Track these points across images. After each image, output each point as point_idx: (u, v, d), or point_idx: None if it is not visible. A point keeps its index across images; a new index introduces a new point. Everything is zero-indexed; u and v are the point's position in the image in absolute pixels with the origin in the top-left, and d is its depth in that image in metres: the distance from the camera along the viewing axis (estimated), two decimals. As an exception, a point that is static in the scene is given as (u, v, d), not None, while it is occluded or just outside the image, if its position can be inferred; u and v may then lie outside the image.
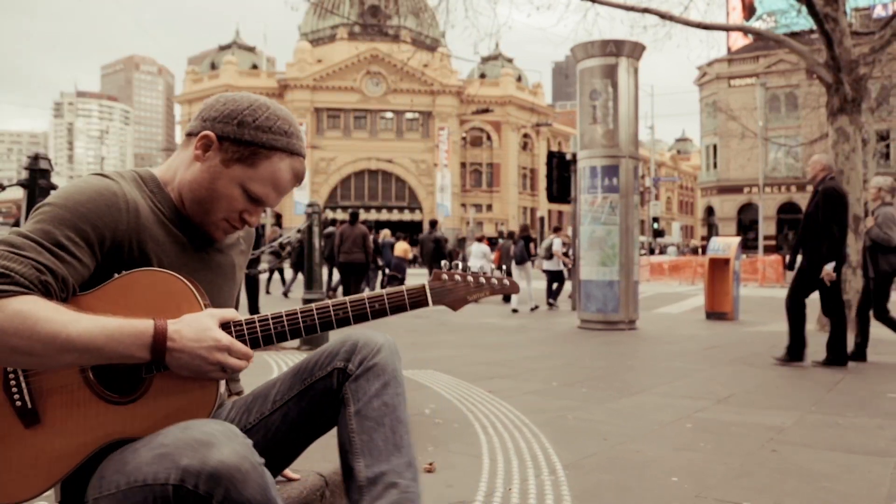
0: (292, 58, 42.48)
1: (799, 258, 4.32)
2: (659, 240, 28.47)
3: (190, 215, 0.93)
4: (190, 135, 0.93)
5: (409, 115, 42.64)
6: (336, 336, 0.95)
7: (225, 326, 0.86)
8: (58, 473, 0.82)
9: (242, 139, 0.90)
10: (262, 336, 0.87)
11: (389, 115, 42.30)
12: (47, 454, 0.82)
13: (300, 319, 0.88)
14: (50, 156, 2.76)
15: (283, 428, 0.95)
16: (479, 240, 11.73)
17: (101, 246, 0.83)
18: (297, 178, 0.94)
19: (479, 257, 10.12)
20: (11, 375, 0.82)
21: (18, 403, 0.81)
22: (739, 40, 27.81)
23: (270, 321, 0.88)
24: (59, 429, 0.83)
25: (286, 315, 0.88)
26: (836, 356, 4.20)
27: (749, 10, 26.96)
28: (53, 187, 2.65)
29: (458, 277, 0.92)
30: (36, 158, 2.60)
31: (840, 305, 4.28)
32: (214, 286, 0.96)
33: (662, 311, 8.88)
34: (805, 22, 10.27)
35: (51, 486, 0.83)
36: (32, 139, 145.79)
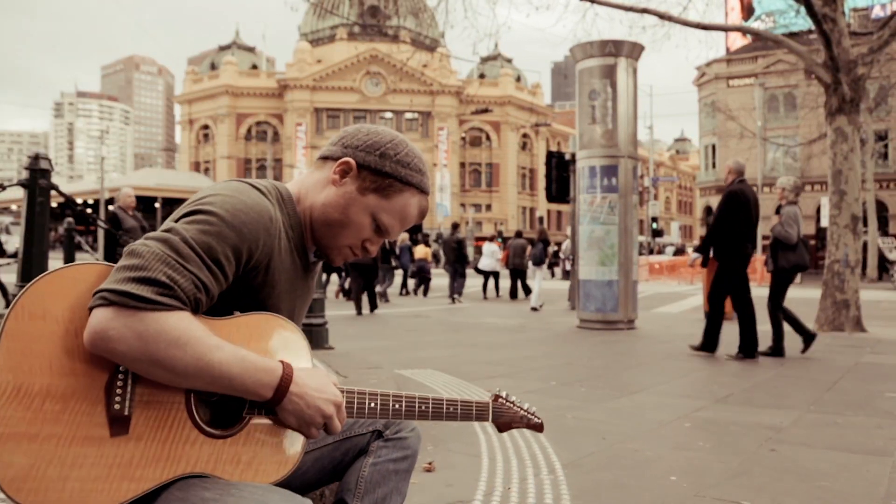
0: (292, 58, 42.48)
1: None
2: (658, 239, 28.49)
3: (317, 238, 0.96)
4: (326, 158, 0.96)
5: (408, 115, 42.66)
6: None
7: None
8: (124, 495, 0.76)
9: (382, 170, 0.93)
10: (359, 409, 0.93)
11: (389, 115, 42.31)
12: (121, 471, 0.76)
13: (391, 404, 0.95)
14: (50, 156, 2.75)
15: (312, 469, 1.00)
16: (491, 239, 13.05)
17: (246, 265, 0.84)
18: (421, 215, 1.00)
19: (488, 255, 11.39)
20: (120, 377, 0.76)
21: (117, 406, 0.75)
22: (738, 41, 27.84)
23: (367, 397, 0.93)
24: (143, 447, 0.77)
25: (381, 395, 0.95)
26: (748, 349, 4.45)
27: (748, 11, 26.99)
28: (54, 187, 2.65)
29: (509, 405, 1.07)
30: (36, 158, 2.60)
31: (748, 302, 4.49)
32: (306, 304, 1.02)
33: (661, 311, 8.89)
34: (803, 22, 10.29)
35: None
36: (33, 139, 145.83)
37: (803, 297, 11.85)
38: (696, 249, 5.11)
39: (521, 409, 1.07)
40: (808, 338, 4.64)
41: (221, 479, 0.81)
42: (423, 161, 0.98)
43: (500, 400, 1.05)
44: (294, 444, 0.87)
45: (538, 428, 1.08)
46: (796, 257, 4.57)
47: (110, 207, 6.42)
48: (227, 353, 0.78)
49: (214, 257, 0.79)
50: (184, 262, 0.77)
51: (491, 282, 11.79)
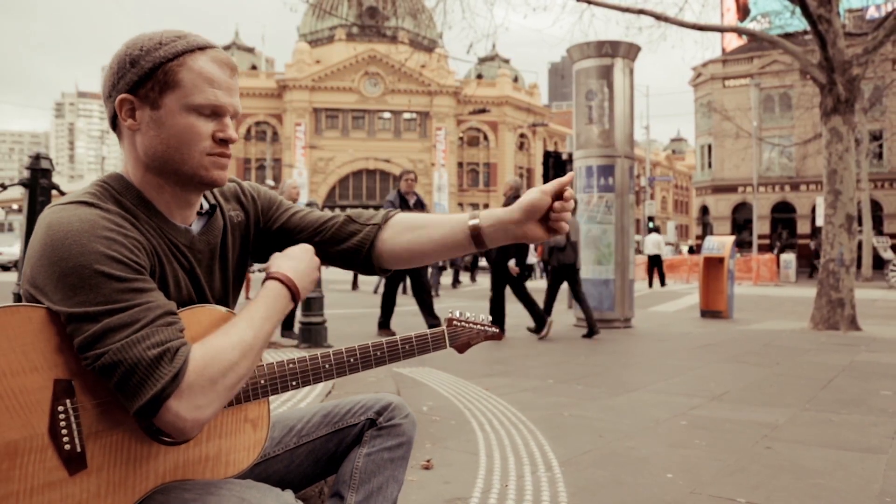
0: (291, 58, 42.42)
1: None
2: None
3: (175, 182, 0.83)
4: (114, 126, 0.85)
5: (406, 116, 42.65)
6: (365, 389, 1.04)
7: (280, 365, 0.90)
8: None
9: (145, 71, 0.80)
10: (315, 375, 0.91)
11: (387, 115, 42.30)
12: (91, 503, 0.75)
13: (345, 358, 0.93)
14: (51, 156, 2.74)
15: (306, 462, 1.00)
16: None
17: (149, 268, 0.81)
18: (227, 64, 0.83)
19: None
20: (62, 416, 0.74)
21: (68, 447, 0.73)
22: (734, 41, 27.94)
23: (320, 359, 0.91)
24: (105, 475, 0.76)
25: (333, 353, 0.93)
26: (539, 325, 5.56)
27: (743, 12, 27.09)
28: (55, 186, 2.64)
29: (465, 325, 1.04)
30: (37, 158, 2.59)
31: (524, 292, 5.55)
32: (212, 277, 0.91)
33: (657, 310, 8.91)
34: (799, 23, 10.34)
35: None
36: (34, 139, 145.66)
37: (799, 295, 11.91)
38: (498, 253, 5.98)
39: (477, 323, 1.04)
40: (540, 323, 5.59)
41: (201, 480, 0.81)
42: (172, 31, 0.83)
43: (454, 322, 1.02)
44: (257, 426, 0.87)
45: (496, 337, 1.05)
46: (564, 257, 5.63)
47: None
48: (251, 325, 0.80)
49: (133, 287, 0.74)
50: (135, 329, 0.72)
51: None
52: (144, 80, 0.81)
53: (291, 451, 1.00)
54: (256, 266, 1.07)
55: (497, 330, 1.06)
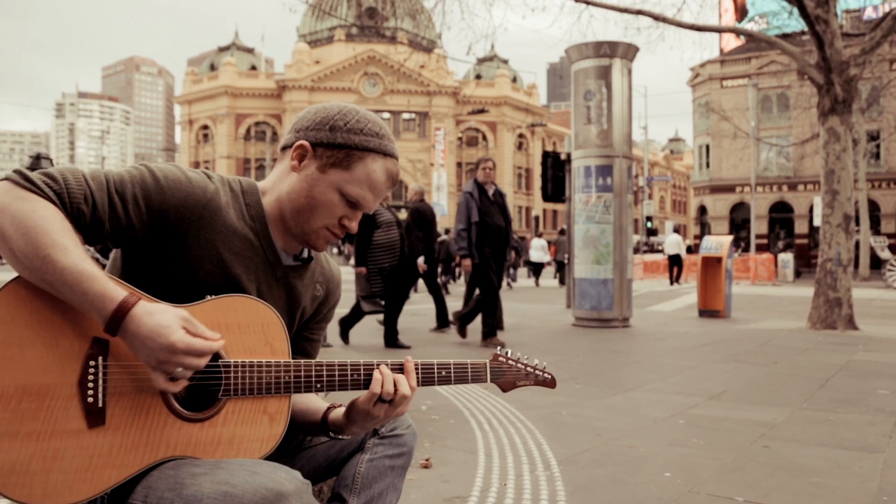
0: (290, 59, 42.44)
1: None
2: (654, 238, 28.72)
3: (293, 227, 0.94)
4: (285, 148, 0.95)
5: (405, 116, 42.69)
6: None
7: (296, 368, 0.89)
8: (107, 482, 0.79)
9: (335, 143, 0.91)
10: (342, 380, 0.91)
11: (386, 115, 42.32)
12: (102, 460, 0.78)
13: (355, 374, 0.93)
14: (52, 155, 2.75)
15: (307, 467, 1.01)
16: (539, 235, 15.15)
17: (160, 220, 0.84)
18: (392, 179, 0.95)
19: (537, 249, 13.62)
20: (91, 371, 0.78)
21: (90, 399, 0.78)
22: (732, 42, 28.00)
23: (349, 368, 0.91)
24: (121, 435, 0.79)
25: (364, 365, 0.93)
26: (441, 323, 5.98)
27: (741, 12, 27.14)
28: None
29: (511, 363, 1.03)
30: (38, 158, 2.60)
31: (437, 287, 5.98)
32: (278, 308, 0.95)
33: (656, 309, 8.92)
34: (796, 24, 10.37)
35: (97, 495, 0.79)
36: (34, 139, 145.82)
37: (797, 295, 11.94)
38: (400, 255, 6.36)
39: (527, 365, 1.02)
40: (443, 322, 5.97)
41: (211, 459, 0.83)
42: (379, 124, 0.95)
43: (499, 359, 1.01)
44: (275, 421, 0.88)
45: (549, 384, 1.03)
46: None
47: None
48: (72, 258, 0.75)
49: (121, 191, 0.82)
50: (87, 180, 0.81)
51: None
52: (329, 147, 0.92)
53: (293, 457, 1.01)
54: None
55: (551, 377, 1.04)
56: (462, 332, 5.36)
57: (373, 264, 4.95)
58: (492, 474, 2.06)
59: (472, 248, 4.91)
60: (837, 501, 1.87)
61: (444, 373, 0.96)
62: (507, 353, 1.03)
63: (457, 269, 14.92)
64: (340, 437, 0.98)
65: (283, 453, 1.01)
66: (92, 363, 0.78)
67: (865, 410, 2.99)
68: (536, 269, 15.31)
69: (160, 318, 0.78)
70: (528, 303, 9.90)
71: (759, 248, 22.67)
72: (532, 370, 1.03)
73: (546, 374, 1.04)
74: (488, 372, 1.00)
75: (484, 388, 3.37)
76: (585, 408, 3.00)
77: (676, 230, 18.95)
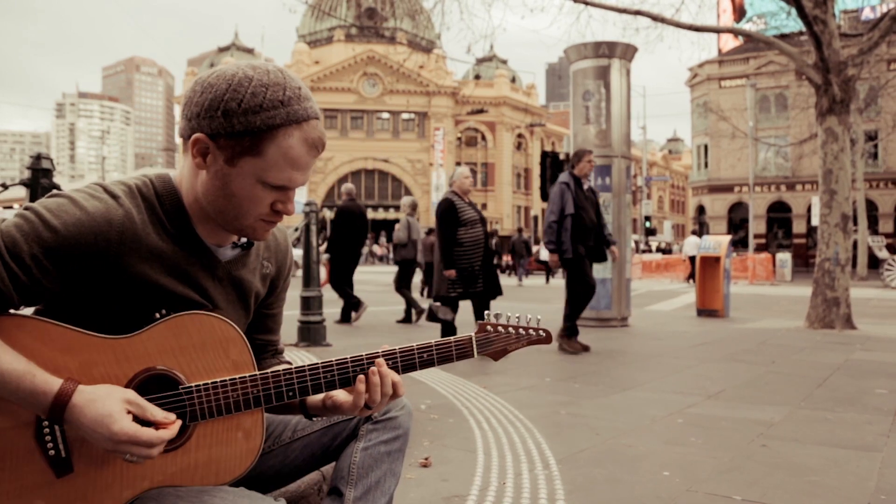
0: (290, 59, 42.44)
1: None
2: (651, 238, 28.77)
3: (224, 225, 0.85)
4: (184, 138, 0.83)
5: (405, 116, 42.69)
6: None
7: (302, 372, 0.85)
8: None
9: (235, 131, 0.77)
10: (315, 383, 0.87)
11: (386, 115, 42.34)
12: None
13: (350, 368, 0.87)
14: (52, 156, 2.75)
15: (301, 456, 0.99)
16: None
17: (77, 268, 0.77)
18: (316, 146, 0.81)
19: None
20: (45, 423, 0.76)
21: (52, 452, 0.75)
22: (730, 42, 28.04)
23: (321, 369, 0.86)
24: (93, 477, 0.77)
25: (337, 364, 0.87)
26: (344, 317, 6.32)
27: (739, 13, 27.19)
28: (55, 186, 2.65)
29: (500, 329, 0.94)
30: (38, 158, 2.59)
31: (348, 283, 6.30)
32: (231, 306, 0.91)
33: (654, 309, 8.93)
34: (794, 24, 10.39)
35: None
36: (35, 139, 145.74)
37: (795, 294, 11.96)
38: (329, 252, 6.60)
39: (518, 327, 0.94)
40: (413, 313, 6.33)
41: (195, 487, 0.81)
42: (282, 86, 0.78)
43: (486, 328, 0.93)
44: (250, 436, 0.85)
45: (544, 340, 0.94)
46: (406, 252, 6.67)
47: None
48: None
49: (16, 253, 0.73)
50: None
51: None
52: (229, 136, 0.78)
53: (286, 446, 0.99)
54: None
55: (544, 334, 0.94)
56: (570, 343, 4.67)
57: (459, 265, 4.51)
58: (491, 473, 2.06)
59: (561, 242, 4.47)
60: (835, 500, 1.87)
61: (425, 356, 0.89)
62: (495, 317, 0.95)
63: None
64: (316, 418, 0.95)
65: (275, 446, 0.99)
66: (43, 417, 0.75)
67: (863, 409, 3.00)
68: (548, 267, 16.23)
69: (101, 406, 0.72)
70: (528, 302, 9.91)
71: (758, 248, 22.70)
72: (524, 331, 0.94)
73: (540, 332, 0.95)
74: (475, 346, 0.92)
75: (483, 387, 3.37)
76: (584, 407, 3.01)
77: (695, 232, 19.35)
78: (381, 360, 0.88)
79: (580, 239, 4.57)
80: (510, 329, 0.95)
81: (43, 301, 0.81)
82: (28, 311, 0.82)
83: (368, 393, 0.87)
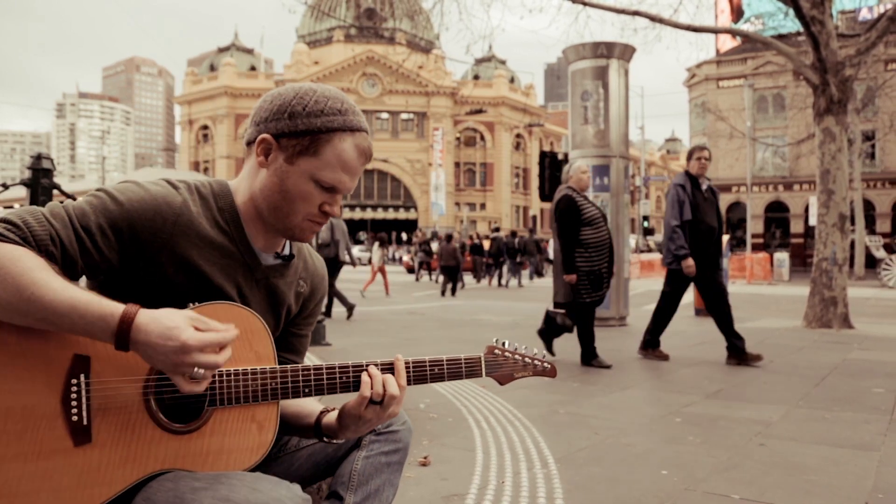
0: (290, 59, 42.46)
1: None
2: (650, 237, 28.81)
3: (273, 223, 0.91)
4: (249, 143, 0.91)
5: (404, 116, 42.71)
6: None
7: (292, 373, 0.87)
8: (98, 499, 0.78)
9: (298, 130, 0.87)
10: (330, 383, 0.90)
11: (385, 115, 42.36)
12: (91, 477, 0.78)
13: (345, 375, 0.91)
14: (53, 156, 2.74)
15: (305, 465, 1.01)
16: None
17: (133, 244, 0.83)
18: (365, 154, 0.91)
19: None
20: (74, 388, 0.77)
21: (75, 418, 0.77)
22: (728, 42, 28.10)
23: (338, 370, 0.90)
24: (108, 451, 0.79)
25: (353, 367, 0.91)
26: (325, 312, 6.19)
27: (737, 13, 27.24)
28: (56, 186, 2.65)
29: (508, 355, 0.99)
30: (39, 158, 2.59)
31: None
32: (262, 310, 0.94)
33: (653, 308, 8.94)
34: (792, 24, 10.42)
35: None
36: (35, 139, 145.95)
37: (793, 294, 11.98)
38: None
39: (525, 356, 0.99)
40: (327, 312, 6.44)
41: (210, 472, 0.82)
42: (339, 99, 0.89)
43: (495, 351, 0.98)
44: (264, 429, 0.87)
45: (549, 373, 0.99)
46: (328, 252, 6.60)
47: None
48: (55, 286, 0.74)
49: (85, 223, 0.80)
50: (49, 218, 0.79)
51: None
52: (292, 136, 0.88)
53: (291, 455, 1.01)
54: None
55: (549, 366, 1.00)
56: (743, 357, 4.23)
57: (584, 268, 4.02)
58: (489, 472, 2.07)
59: (668, 248, 4.15)
60: (833, 499, 1.88)
61: (436, 370, 0.94)
62: (503, 343, 1.00)
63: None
64: (334, 441, 0.97)
65: (281, 453, 1.01)
66: (74, 381, 0.77)
67: (861, 409, 3.01)
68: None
69: (167, 320, 0.76)
70: (527, 301, 9.92)
71: (755, 248, 22.76)
72: (531, 360, 1.00)
73: (545, 364, 1.01)
74: (483, 366, 0.97)
75: (482, 386, 3.37)
76: (582, 406, 3.01)
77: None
78: (400, 359, 0.93)
79: (694, 247, 4.15)
80: (517, 356, 0.99)
81: (100, 275, 0.85)
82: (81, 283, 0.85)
83: (373, 388, 0.90)
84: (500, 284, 15.04)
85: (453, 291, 11.55)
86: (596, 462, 2.18)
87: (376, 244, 11.62)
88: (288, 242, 0.98)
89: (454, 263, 11.80)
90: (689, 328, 6.55)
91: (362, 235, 36.07)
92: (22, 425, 0.75)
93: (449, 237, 12.69)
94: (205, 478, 0.80)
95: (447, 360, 0.95)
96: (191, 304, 0.84)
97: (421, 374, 0.94)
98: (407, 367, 0.93)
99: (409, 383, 0.93)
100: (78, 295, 0.75)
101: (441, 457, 2.20)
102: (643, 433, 2.56)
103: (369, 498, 0.96)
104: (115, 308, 0.76)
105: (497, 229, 18.45)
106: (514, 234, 15.94)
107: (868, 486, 1.98)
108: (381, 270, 11.38)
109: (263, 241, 0.93)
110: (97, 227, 0.81)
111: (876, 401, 3.18)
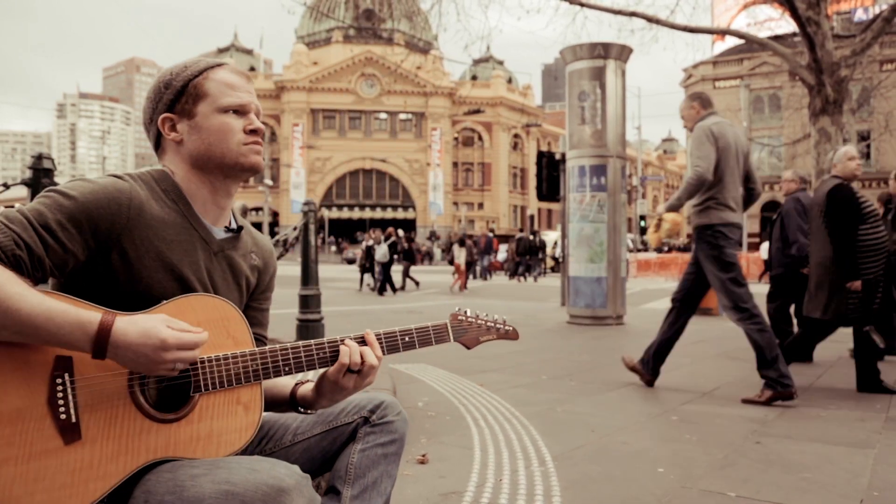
0: (289, 60, 42.42)
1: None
2: (646, 237, 28.95)
3: (217, 172, 0.96)
4: (157, 139, 0.98)
5: (402, 116, 42.71)
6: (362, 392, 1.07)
7: (271, 354, 0.90)
8: (93, 495, 0.79)
9: (178, 89, 0.95)
10: (308, 359, 0.93)
11: (383, 115, 42.35)
12: (85, 474, 0.78)
13: (321, 351, 0.95)
14: (53, 155, 2.75)
15: (301, 459, 1.01)
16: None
17: (94, 235, 0.84)
18: (242, 74, 0.99)
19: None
20: (59, 387, 0.78)
21: (63, 417, 0.78)
22: (723, 44, 28.20)
23: (314, 347, 0.93)
24: (99, 447, 0.80)
25: (329, 342, 0.95)
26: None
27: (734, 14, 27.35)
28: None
29: (472, 320, 1.05)
30: (39, 158, 2.58)
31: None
32: (226, 284, 0.98)
33: (649, 307, 8.97)
34: (788, 25, 10.46)
35: None
36: (36, 139, 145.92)
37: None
38: None
39: (487, 321, 1.05)
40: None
41: (207, 459, 0.84)
42: (194, 60, 0.99)
43: (458, 318, 1.04)
44: (250, 409, 0.89)
45: (511, 335, 1.06)
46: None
47: None
48: (31, 300, 0.75)
49: (43, 222, 0.81)
50: (7, 224, 0.80)
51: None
52: (178, 97, 0.95)
53: (287, 449, 1.02)
54: None
55: (512, 328, 1.06)
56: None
57: (864, 272, 3.25)
58: (487, 470, 2.07)
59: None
60: (829, 496, 1.89)
61: (406, 338, 0.99)
62: (465, 311, 1.05)
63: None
64: (309, 411, 1.00)
65: (276, 449, 1.02)
66: (59, 381, 0.78)
67: (856, 407, 3.02)
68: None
69: (143, 323, 0.80)
70: (526, 301, 9.94)
71: (751, 247, 22.85)
72: (493, 324, 1.05)
73: (507, 327, 1.06)
74: (450, 331, 1.02)
75: (480, 385, 3.38)
76: (579, 404, 3.02)
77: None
78: (370, 333, 0.98)
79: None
80: (480, 321, 1.05)
81: (67, 272, 0.86)
82: (46, 287, 0.86)
83: (351, 357, 0.94)
84: (523, 279, 16.89)
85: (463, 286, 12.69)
86: (593, 460, 2.19)
87: (455, 245, 13.02)
88: (233, 217, 1.01)
89: (469, 259, 13.92)
90: (688, 327, 6.57)
91: (360, 235, 36.02)
92: (10, 429, 0.76)
93: (462, 240, 13.92)
94: (203, 464, 0.82)
95: (416, 329, 1.00)
96: (163, 302, 0.87)
97: (393, 343, 0.99)
98: (379, 338, 0.98)
99: (383, 353, 0.97)
100: (53, 306, 0.77)
101: (439, 455, 2.21)
102: (640, 431, 2.57)
103: (367, 490, 0.97)
104: (92, 316, 0.78)
105: (492, 230, 18.73)
106: (534, 233, 17.33)
107: (864, 483, 1.99)
108: (462, 268, 12.68)
109: (211, 215, 0.97)
110: (56, 223, 0.82)
111: (871, 399, 3.19)
